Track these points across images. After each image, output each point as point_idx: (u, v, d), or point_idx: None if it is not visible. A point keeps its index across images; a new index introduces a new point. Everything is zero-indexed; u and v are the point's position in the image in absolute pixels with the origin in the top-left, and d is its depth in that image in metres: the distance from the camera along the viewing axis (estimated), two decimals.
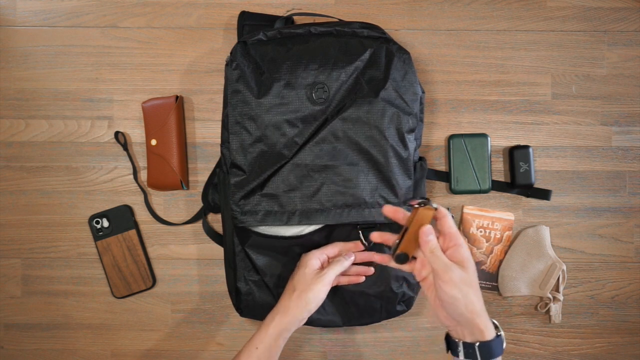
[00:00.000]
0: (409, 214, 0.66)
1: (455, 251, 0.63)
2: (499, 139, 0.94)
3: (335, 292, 0.84)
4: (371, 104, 0.79)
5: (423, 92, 0.85)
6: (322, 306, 0.83)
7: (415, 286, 0.86)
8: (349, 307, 0.85)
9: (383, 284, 0.83)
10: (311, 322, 0.84)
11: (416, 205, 0.63)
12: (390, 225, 0.82)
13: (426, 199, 0.71)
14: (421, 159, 0.87)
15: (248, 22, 0.91)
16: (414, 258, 0.67)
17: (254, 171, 0.81)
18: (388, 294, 0.84)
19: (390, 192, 0.80)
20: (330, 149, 0.79)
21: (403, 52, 0.82)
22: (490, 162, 0.92)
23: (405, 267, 0.67)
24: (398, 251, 0.66)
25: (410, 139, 0.81)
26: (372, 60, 0.81)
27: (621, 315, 0.94)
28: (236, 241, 0.84)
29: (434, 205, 0.63)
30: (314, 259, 0.79)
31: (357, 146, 0.79)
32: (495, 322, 0.65)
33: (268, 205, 0.80)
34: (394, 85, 0.80)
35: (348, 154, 0.80)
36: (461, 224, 0.93)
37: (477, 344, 0.63)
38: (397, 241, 0.66)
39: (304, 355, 0.94)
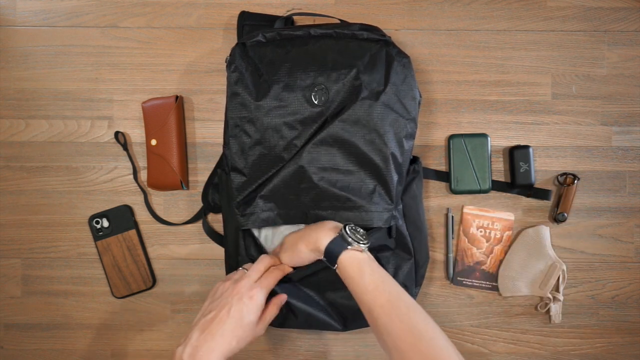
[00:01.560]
0: None
1: None
2: (499, 139, 0.94)
3: (337, 297, 0.84)
4: (370, 108, 0.78)
5: (420, 96, 0.84)
6: (322, 308, 0.83)
7: (414, 290, 0.86)
8: (349, 313, 0.84)
9: None
10: (312, 325, 0.84)
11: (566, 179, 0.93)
12: (384, 229, 0.82)
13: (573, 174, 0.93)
14: (415, 160, 0.86)
15: (248, 22, 0.91)
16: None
17: (254, 174, 0.80)
18: None
19: (387, 195, 0.80)
20: (329, 152, 0.79)
21: (403, 55, 0.81)
22: (490, 162, 0.92)
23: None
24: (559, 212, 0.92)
25: (407, 143, 0.81)
26: (371, 63, 0.80)
27: (621, 315, 0.94)
28: (242, 244, 0.84)
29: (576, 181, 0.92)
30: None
31: (355, 149, 0.78)
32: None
33: (267, 208, 0.80)
34: (394, 89, 0.79)
35: (346, 157, 0.79)
36: (461, 224, 0.93)
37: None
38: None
39: (303, 355, 0.94)
